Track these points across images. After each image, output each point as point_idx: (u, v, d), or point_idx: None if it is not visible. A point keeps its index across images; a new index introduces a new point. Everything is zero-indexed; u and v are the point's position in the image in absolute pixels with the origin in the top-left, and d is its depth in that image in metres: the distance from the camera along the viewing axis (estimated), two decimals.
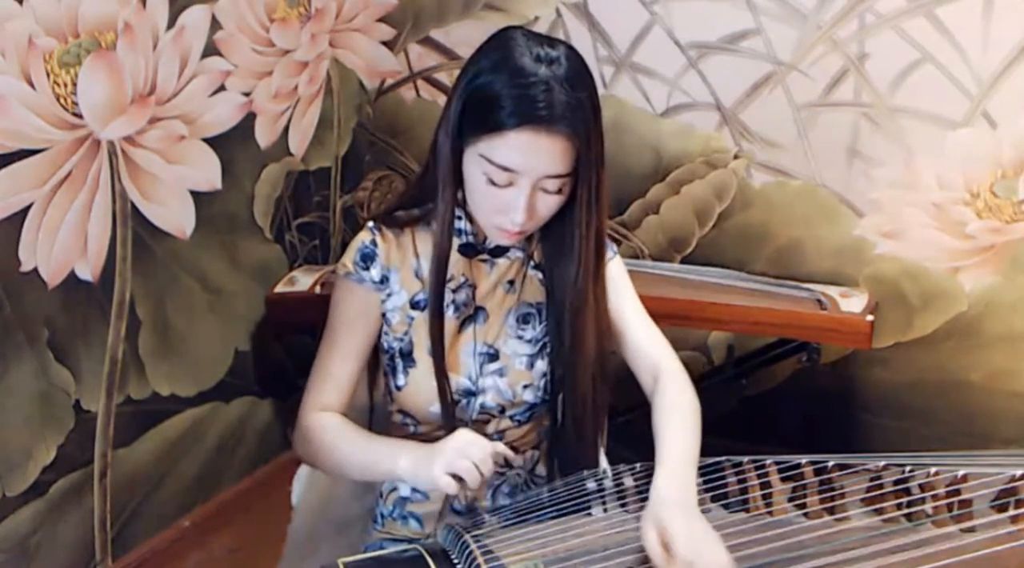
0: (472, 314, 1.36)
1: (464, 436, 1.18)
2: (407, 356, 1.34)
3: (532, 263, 1.39)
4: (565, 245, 1.31)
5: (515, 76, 1.19)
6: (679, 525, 1.11)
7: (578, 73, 1.22)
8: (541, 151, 1.19)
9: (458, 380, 1.34)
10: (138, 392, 2.08)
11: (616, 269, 1.42)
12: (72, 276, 1.88)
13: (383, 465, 1.24)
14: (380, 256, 1.33)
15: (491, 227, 1.28)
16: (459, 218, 1.33)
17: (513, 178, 1.21)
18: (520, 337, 1.37)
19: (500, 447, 1.18)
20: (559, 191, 1.23)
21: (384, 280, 1.33)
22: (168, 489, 2.19)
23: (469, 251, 1.35)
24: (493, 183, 1.22)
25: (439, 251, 1.30)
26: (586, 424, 1.36)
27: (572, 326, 1.33)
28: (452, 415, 1.33)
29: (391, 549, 1.23)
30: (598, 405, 1.37)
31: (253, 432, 2.41)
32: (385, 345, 1.36)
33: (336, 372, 1.34)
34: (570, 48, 1.24)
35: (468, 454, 1.15)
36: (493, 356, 1.36)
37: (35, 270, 1.81)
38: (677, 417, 1.29)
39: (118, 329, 2.01)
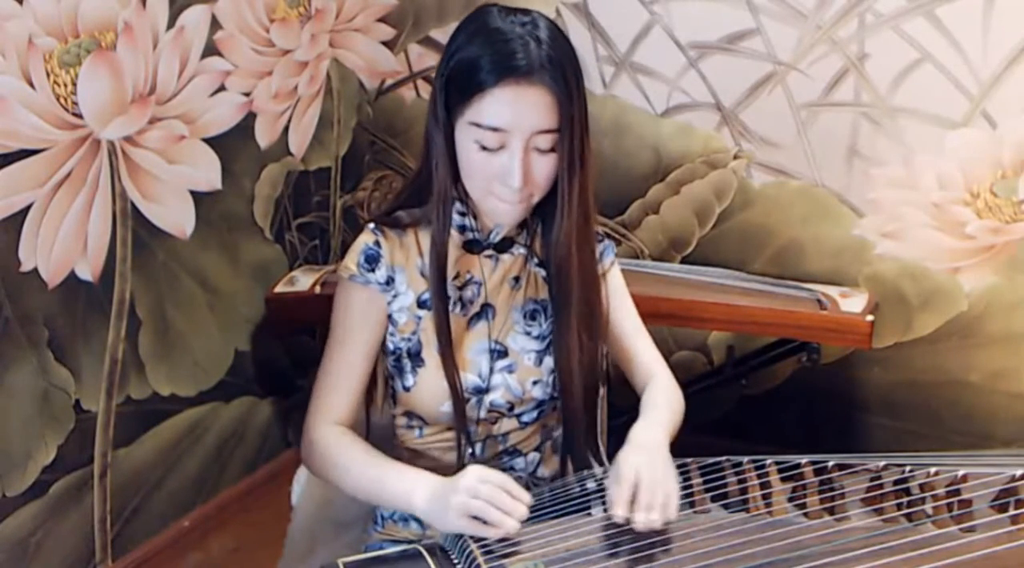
0: (480, 311, 1.36)
1: (473, 474, 1.16)
2: (416, 356, 1.34)
3: (535, 260, 1.39)
4: (556, 213, 1.31)
5: (491, 36, 1.22)
6: (625, 459, 1.20)
7: (553, 32, 1.24)
8: (525, 104, 1.20)
9: (468, 378, 1.34)
10: (138, 392, 2.08)
11: (615, 276, 1.44)
12: (72, 276, 1.88)
13: (399, 504, 1.25)
14: (385, 256, 1.32)
15: (491, 199, 1.27)
16: (463, 214, 1.33)
17: (504, 139, 1.22)
18: (528, 333, 1.37)
19: (511, 484, 1.16)
20: (552, 149, 1.24)
21: (390, 281, 1.32)
22: (168, 489, 2.19)
23: (474, 247, 1.35)
24: (485, 148, 1.22)
25: (436, 234, 1.29)
26: (574, 381, 1.35)
27: (556, 278, 1.33)
28: (462, 413, 1.32)
29: (391, 549, 1.22)
30: (585, 363, 1.36)
31: (253, 432, 2.41)
32: (391, 346, 1.35)
33: (344, 378, 1.33)
34: (543, 14, 1.27)
35: (479, 493, 1.14)
36: (502, 353, 1.36)
37: (35, 270, 1.81)
38: (662, 398, 1.38)
39: (118, 329, 2.01)
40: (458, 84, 1.23)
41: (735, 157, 2.37)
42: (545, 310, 1.38)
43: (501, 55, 1.20)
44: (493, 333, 1.35)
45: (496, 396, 1.35)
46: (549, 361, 1.37)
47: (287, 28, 2.32)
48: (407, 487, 1.22)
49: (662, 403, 1.37)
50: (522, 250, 1.38)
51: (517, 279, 1.38)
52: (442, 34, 2.56)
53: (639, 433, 1.28)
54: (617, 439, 1.29)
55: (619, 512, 1.16)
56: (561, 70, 1.21)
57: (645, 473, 1.18)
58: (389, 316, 1.34)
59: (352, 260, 1.32)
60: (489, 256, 1.36)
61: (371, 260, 1.32)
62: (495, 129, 1.21)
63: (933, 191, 2.22)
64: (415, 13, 2.58)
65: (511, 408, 1.36)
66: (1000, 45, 2.09)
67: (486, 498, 1.14)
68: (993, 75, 2.11)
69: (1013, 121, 2.12)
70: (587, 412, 1.40)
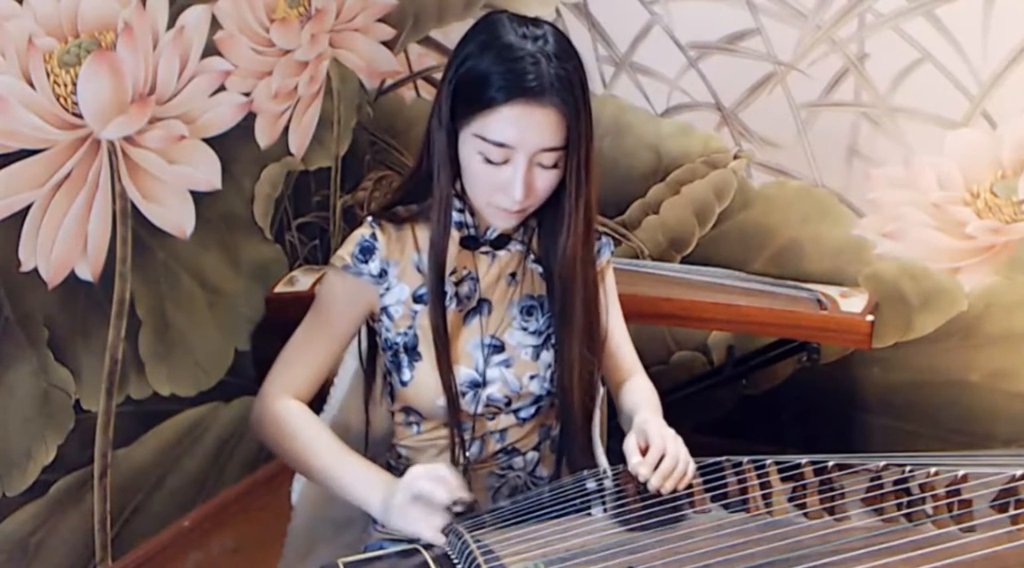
0: (476, 306, 1.36)
1: (405, 487, 1.19)
2: (412, 350, 1.34)
3: (532, 256, 1.39)
4: (558, 221, 1.32)
5: (503, 52, 1.21)
6: (655, 428, 1.25)
7: (564, 48, 1.24)
8: (533, 124, 1.20)
9: (465, 372, 1.34)
10: (138, 392, 2.08)
11: (610, 278, 1.45)
12: (72, 276, 1.89)
13: (353, 497, 1.27)
14: (380, 249, 1.33)
15: (490, 208, 1.28)
16: (460, 211, 1.33)
17: (509, 154, 1.22)
18: (525, 328, 1.37)
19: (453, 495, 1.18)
20: (555, 165, 1.25)
21: (383, 274, 1.33)
22: (168, 489, 2.20)
23: (471, 243, 1.35)
24: (489, 161, 1.23)
25: (437, 238, 1.30)
26: (574, 396, 1.36)
27: (561, 294, 1.34)
28: (457, 408, 1.33)
29: (391, 549, 1.22)
30: (585, 377, 1.37)
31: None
32: (388, 341, 1.36)
33: (311, 359, 1.34)
34: (554, 26, 1.27)
35: (413, 517, 1.18)
36: (498, 348, 1.36)
37: (35, 270, 1.81)
38: (649, 395, 1.41)
39: (118, 329, 2.01)
40: (466, 95, 1.23)
41: (735, 157, 2.37)
42: (542, 306, 1.39)
43: (512, 73, 1.20)
44: (488, 329, 1.36)
45: (493, 390, 1.35)
46: (546, 356, 1.37)
47: (287, 28, 2.32)
48: (365, 489, 1.25)
49: (653, 402, 1.40)
50: (519, 247, 1.38)
51: (513, 275, 1.38)
52: (442, 34, 2.56)
53: (654, 414, 1.32)
54: (617, 440, 1.29)
55: (643, 472, 1.20)
56: (570, 89, 1.21)
57: (671, 444, 1.23)
58: (384, 310, 1.35)
59: (347, 251, 1.33)
60: (486, 252, 1.37)
61: (366, 252, 1.33)
62: (501, 145, 1.21)
63: (933, 191, 2.22)
64: (415, 13, 2.58)
65: (508, 403, 1.37)
66: (1000, 45, 2.09)
67: (419, 519, 1.17)
68: (993, 75, 2.11)
69: (1013, 121, 2.12)
70: (587, 423, 1.41)
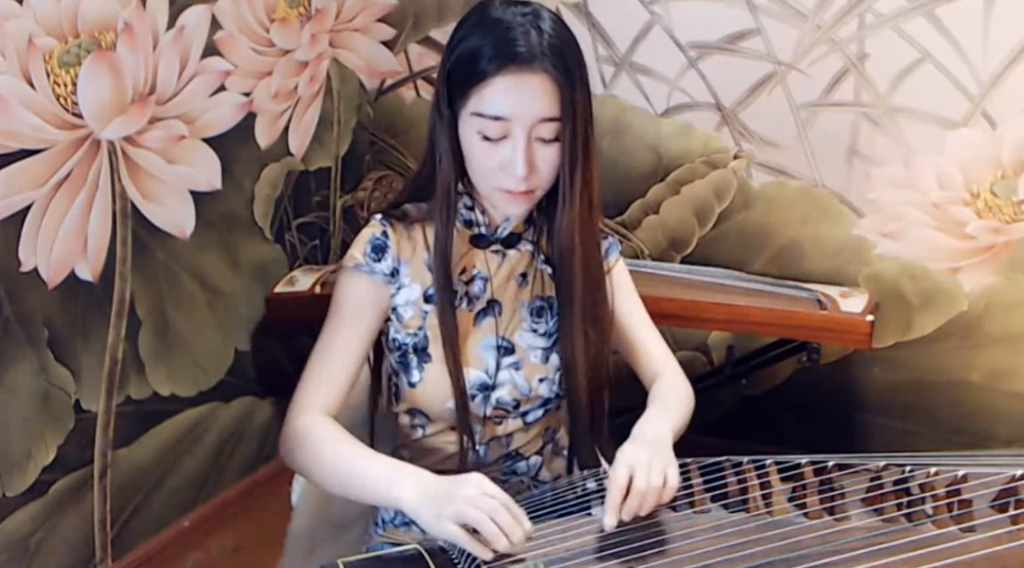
0: (486, 306, 1.36)
1: (475, 483, 1.11)
2: (422, 351, 1.33)
3: (542, 257, 1.38)
4: (558, 198, 1.30)
5: (493, 26, 1.22)
6: (623, 461, 1.17)
7: (555, 24, 1.24)
8: (527, 91, 1.20)
9: (474, 374, 1.33)
10: (138, 392, 2.08)
11: (621, 272, 1.43)
12: (72, 276, 1.88)
13: (381, 490, 1.18)
14: (391, 247, 1.31)
15: (496, 192, 1.26)
16: (470, 208, 1.33)
17: (507, 128, 1.21)
18: (535, 330, 1.37)
19: (524, 523, 1.11)
20: (555, 139, 1.23)
21: (395, 273, 1.32)
22: (168, 489, 2.19)
23: (481, 242, 1.35)
24: (488, 138, 1.22)
25: (440, 227, 1.29)
26: (579, 387, 1.34)
27: (560, 268, 1.33)
28: (466, 410, 1.32)
29: (391, 550, 1.22)
30: (591, 356, 1.34)
31: (253, 432, 2.41)
32: (396, 342, 1.35)
33: (336, 368, 1.30)
34: (547, 8, 1.27)
35: (480, 505, 1.09)
36: (508, 349, 1.35)
37: (35, 270, 1.81)
38: (669, 393, 1.37)
39: (118, 329, 2.01)
40: (460, 76, 1.23)
41: (735, 157, 2.37)
42: (551, 308, 1.38)
43: (502, 43, 1.20)
44: (500, 329, 1.35)
45: (503, 393, 1.34)
46: (555, 359, 1.36)
47: (287, 28, 2.32)
48: (393, 477, 1.17)
49: (668, 398, 1.35)
50: (529, 247, 1.38)
51: (524, 276, 1.38)
52: (442, 34, 2.56)
53: (642, 427, 1.26)
54: (617, 439, 1.29)
55: (609, 521, 1.13)
56: (563, 58, 1.21)
57: (640, 477, 1.15)
58: (394, 310, 1.33)
59: (359, 250, 1.32)
60: (496, 251, 1.36)
61: (378, 250, 1.31)
62: (497, 118, 1.21)
63: (933, 191, 2.22)
64: (415, 13, 2.58)
65: (517, 406, 1.36)
66: (1000, 45, 2.09)
67: (486, 511, 1.08)
68: (993, 75, 2.11)
69: (1013, 121, 2.12)
70: (594, 409, 1.39)
